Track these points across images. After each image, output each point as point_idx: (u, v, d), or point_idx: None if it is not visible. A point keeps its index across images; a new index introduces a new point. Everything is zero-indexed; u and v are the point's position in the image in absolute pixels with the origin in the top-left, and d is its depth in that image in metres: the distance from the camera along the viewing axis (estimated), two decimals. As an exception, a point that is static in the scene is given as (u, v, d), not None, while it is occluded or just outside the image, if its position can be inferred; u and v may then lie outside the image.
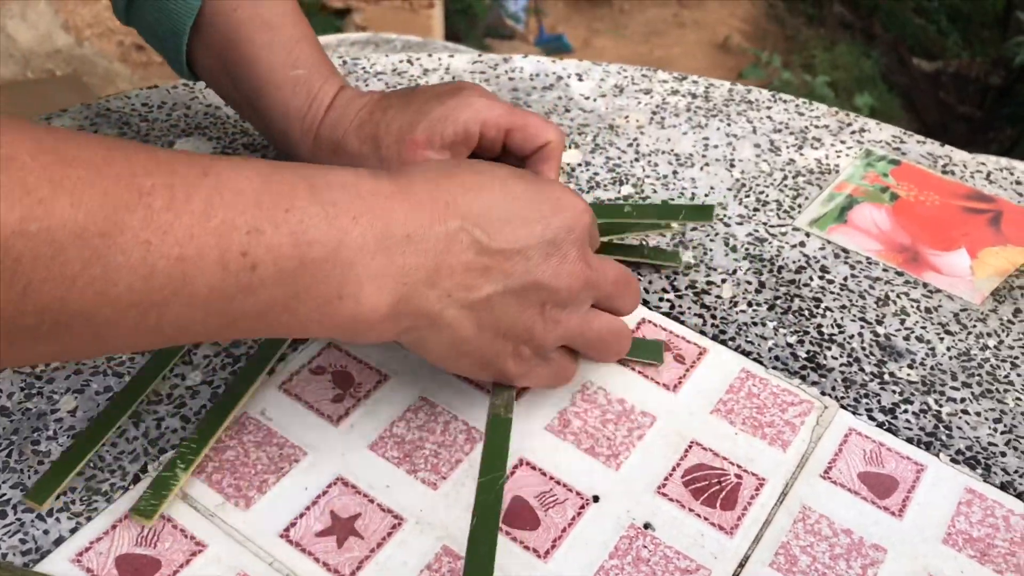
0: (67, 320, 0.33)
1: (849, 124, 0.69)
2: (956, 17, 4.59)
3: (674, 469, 0.46)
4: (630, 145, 0.66)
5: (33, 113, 2.26)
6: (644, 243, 0.58)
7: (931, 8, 4.65)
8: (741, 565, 0.43)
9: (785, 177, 0.64)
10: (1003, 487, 0.47)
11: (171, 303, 0.35)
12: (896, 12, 4.62)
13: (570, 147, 0.65)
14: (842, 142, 0.67)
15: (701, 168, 0.64)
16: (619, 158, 0.64)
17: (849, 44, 4.42)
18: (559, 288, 0.43)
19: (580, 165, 0.64)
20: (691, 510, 0.45)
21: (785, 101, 0.71)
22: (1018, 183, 0.65)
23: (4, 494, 0.43)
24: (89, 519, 0.42)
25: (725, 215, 0.61)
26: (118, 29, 2.70)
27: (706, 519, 0.44)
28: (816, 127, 0.69)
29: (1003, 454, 0.48)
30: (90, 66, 2.50)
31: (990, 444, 0.48)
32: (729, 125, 0.68)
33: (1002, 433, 0.49)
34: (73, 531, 0.42)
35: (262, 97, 0.54)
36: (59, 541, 0.41)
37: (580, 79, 0.72)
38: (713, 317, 0.54)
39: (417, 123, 0.51)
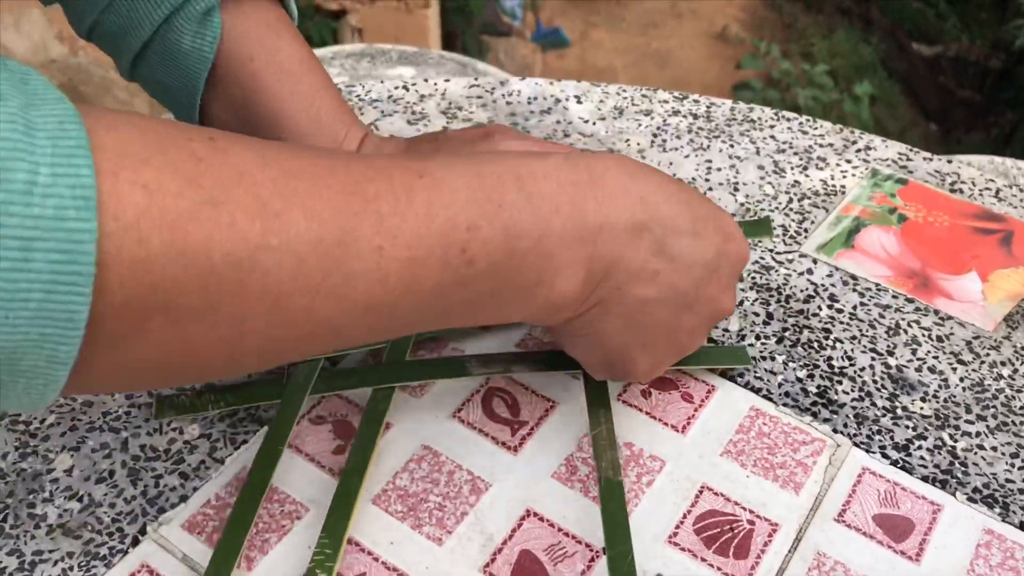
0: (313, 328, 0.34)
1: (854, 142, 0.68)
2: (954, 0, 4.57)
3: (685, 516, 0.45)
4: (632, 170, 0.64)
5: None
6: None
7: (929, -5, 4.63)
8: (756, 618, 0.42)
9: (791, 200, 0.63)
10: (1022, 527, 0.46)
11: (401, 303, 0.36)
12: (893, -3, 4.60)
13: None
14: (847, 161, 0.66)
15: (704, 193, 0.63)
16: (621, 184, 0.63)
17: (847, 31, 4.40)
18: (705, 312, 0.45)
19: (581, 192, 0.63)
20: (703, 559, 0.44)
21: (788, 119, 0.70)
22: (1028, 200, 0.64)
23: (2, 562, 0.42)
24: (89, 585, 0.41)
25: (730, 242, 0.59)
26: (112, 36, 2.68)
27: (719, 569, 0.43)
28: (820, 146, 0.67)
29: (1022, 491, 0.47)
30: (85, 75, 2.49)
31: (1007, 481, 0.47)
32: (732, 146, 0.67)
33: (1020, 468, 0.48)
34: (72, 599, 0.41)
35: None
36: (58, 611, 0.40)
37: (579, 101, 0.71)
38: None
39: None
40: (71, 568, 0.42)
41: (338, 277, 0.33)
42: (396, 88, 0.71)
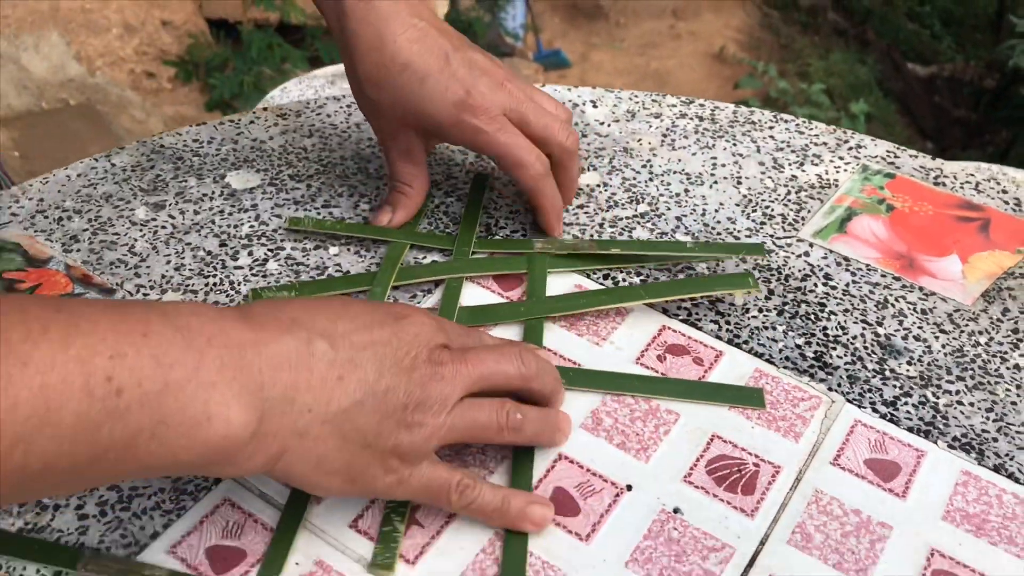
0: None
1: (846, 141, 0.74)
2: (949, 21, 4.64)
3: (698, 460, 0.52)
4: (644, 166, 0.71)
5: (50, 142, 2.31)
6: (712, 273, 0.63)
7: (923, 13, 4.70)
8: (762, 543, 0.48)
9: (788, 192, 0.69)
10: (996, 469, 0.52)
11: (36, 436, 0.34)
12: (889, 18, 4.67)
13: (588, 169, 0.71)
14: (840, 158, 0.73)
15: (710, 186, 0.69)
16: (634, 178, 0.70)
17: (843, 51, 4.46)
18: (412, 391, 0.43)
19: (599, 186, 0.69)
20: (715, 495, 0.50)
21: (786, 121, 0.76)
22: (1004, 192, 0.71)
23: (103, 495, 0.48)
24: (179, 516, 0.47)
25: (735, 229, 0.66)
26: (128, 58, 2.76)
27: (729, 503, 0.49)
28: (816, 144, 0.74)
29: (995, 439, 0.53)
30: (103, 95, 2.56)
31: (983, 431, 0.54)
32: (735, 145, 0.74)
33: (993, 421, 0.54)
34: (166, 526, 0.47)
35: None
36: (155, 535, 0.46)
37: (595, 106, 0.77)
38: (727, 323, 0.59)
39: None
40: (163, 501, 0.48)
41: None
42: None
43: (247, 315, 0.42)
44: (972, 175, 0.72)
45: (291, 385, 0.41)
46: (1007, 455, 0.52)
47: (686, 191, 0.69)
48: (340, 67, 1.39)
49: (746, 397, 0.54)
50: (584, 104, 0.78)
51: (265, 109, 0.74)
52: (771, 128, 0.76)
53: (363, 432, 0.42)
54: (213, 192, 0.67)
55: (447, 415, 0.45)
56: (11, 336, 0.34)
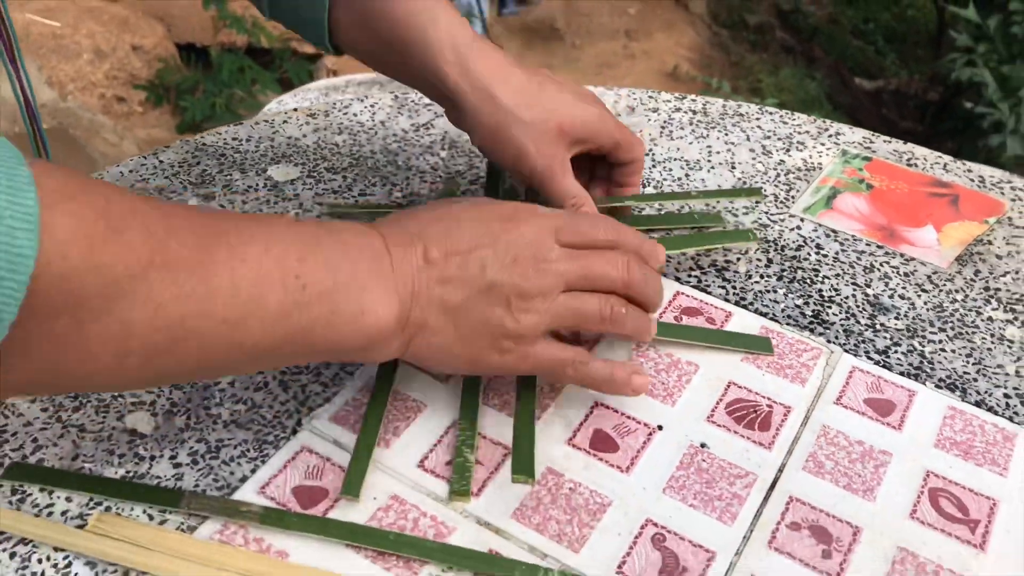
0: (184, 335, 0.43)
1: (826, 129, 0.82)
2: (892, 38, 4.79)
3: (718, 403, 0.58)
4: (647, 154, 0.78)
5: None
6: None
7: (868, 30, 4.86)
8: (780, 470, 0.54)
9: (778, 175, 0.77)
10: (977, 404, 0.59)
11: (250, 319, 0.45)
12: (835, 35, 4.81)
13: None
14: (822, 144, 0.80)
15: (708, 171, 0.76)
16: (638, 166, 0.77)
17: (792, 68, 4.59)
18: (516, 283, 0.51)
19: (607, 173, 0.76)
20: (736, 432, 0.56)
21: (771, 113, 0.84)
22: (969, 171, 0.78)
23: (193, 447, 0.53)
24: (263, 462, 0.53)
25: (733, 207, 0.73)
26: (99, 83, 2.79)
27: (748, 438, 0.56)
28: (799, 133, 0.82)
29: (975, 380, 0.60)
30: (75, 119, 2.59)
31: (964, 373, 0.61)
32: (727, 134, 0.81)
33: (973, 365, 0.61)
34: (253, 471, 0.52)
35: (407, 42, 0.61)
36: (244, 479, 0.52)
37: (596, 102, 0.84)
38: (733, 288, 0.66)
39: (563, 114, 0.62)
40: (248, 450, 0.53)
41: (203, 290, 0.43)
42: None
43: (384, 231, 0.51)
44: (940, 158, 0.80)
45: (414, 289, 0.50)
46: (986, 392, 0.59)
47: (687, 175, 0.76)
48: (343, 78, 1.45)
49: (756, 344, 0.61)
50: (586, 102, 0.84)
51: (295, 110, 0.80)
52: (757, 119, 0.83)
53: (472, 322, 0.51)
54: (257, 184, 0.72)
55: (551, 303, 0.52)
56: (231, 239, 0.45)
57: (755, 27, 4.82)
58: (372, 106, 0.82)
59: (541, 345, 0.52)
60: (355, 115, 0.81)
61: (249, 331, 0.45)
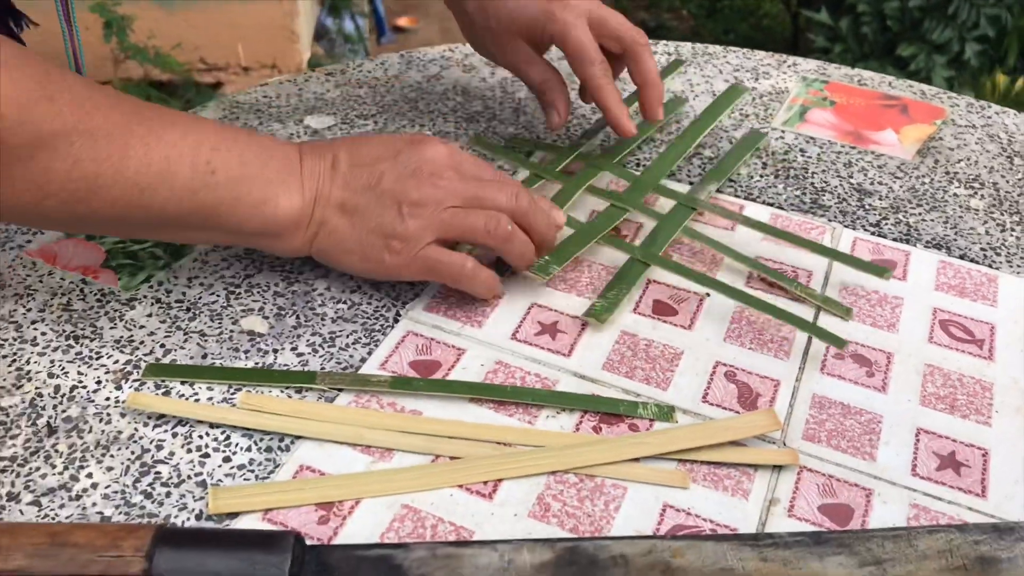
0: (97, 190, 0.51)
1: (784, 60, 0.93)
2: (751, 45, 5.06)
3: (751, 273, 0.67)
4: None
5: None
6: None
7: (729, 40, 5.14)
8: (815, 318, 0.63)
9: (754, 99, 0.87)
10: (961, 257, 0.69)
11: (159, 187, 0.52)
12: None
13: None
14: (783, 73, 0.91)
15: (693, 99, 0.86)
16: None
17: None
18: (407, 191, 0.57)
19: (606, 106, 0.84)
20: (769, 292, 0.65)
21: (734, 51, 0.94)
22: (911, 87, 0.90)
23: (310, 339, 0.59)
24: (376, 345, 0.59)
25: (722, 124, 0.82)
26: None
27: (781, 295, 0.65)
28: (762, 65, 0.92)
29: (955, 239, 0.71)
30: None
31: (944, 236, 0.71)
32: (702, 70, 0.91)
33: (951, 229, 0.72)
34: (369, 353, 0.58)
35: None
36: (363, 360, 0.58)
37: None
38: (741, 188, 0.75)
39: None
40: (360, 338, 0.59)
41: (117, 156, 0.51)
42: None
43: (301, 145, 0.60)
44: (884, 78, 0.91)
45: (318, 190, 0.58)
46: (966, 248, 0.70)
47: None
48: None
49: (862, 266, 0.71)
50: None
51: (313, 69, 0.86)
52: (724, 56, 0.93)
53: (366, 223, 0.58)
54: (298, 132, 0.78)
55: (441, 213, 0.58)
56: (153, 123, 0.53)
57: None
58: (383, 63, 0.89)
59: (430, 249, 0.58)
60: (370, 71, 0.87)
61: (156, 197, 0.53)
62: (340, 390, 0.55)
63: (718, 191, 0.74)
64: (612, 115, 0.70)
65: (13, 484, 0.49)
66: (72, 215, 0.52)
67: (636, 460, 0.53)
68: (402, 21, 3.45)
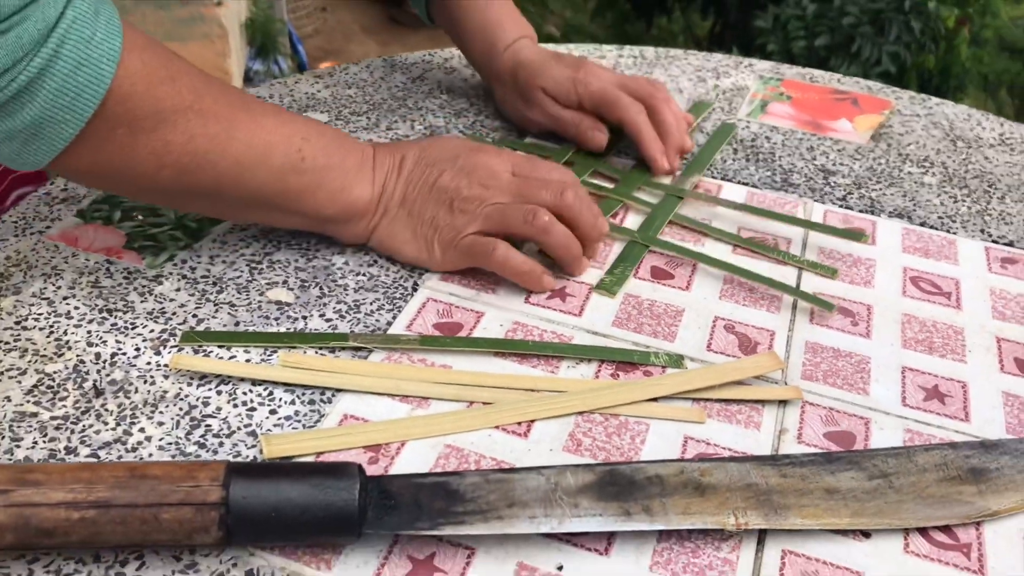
0: (207, 162, 0.56)
1: (741, 62, 1.00)
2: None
3: (736, 245, 0.72)
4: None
5: None
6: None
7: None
8: (797, 282, 0.69)
9: (718, 96, 0.93)
10: (921, 224, 0.76)
11: (258, 168, 0.58)
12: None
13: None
14: (741, 72, 0.97)
15: (661, 96, 0.92)
16: (605, 97, 0.91)
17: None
18: (459, 189, 0.63)
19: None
20: (755, 256, 0.70)
21: (696, 55, 1.00)
22: (858, 83, 0.98)
23: (336, 307, 0.62)
24: (400, 310, 0.62)
25: (702, 126, 0.88)
26: None
27: (764, 260, 0.70)
28: (722, 66, 0.99)
29: (915, 210, 0.77)
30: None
31: (904, 207, 0.78)
32: (667, 70, 0.97)
33: (910, 201, 0.79)
34: (394, 317, 0.61)
35: (466, 33, 0.83)
36: (389, 323, 0.61)
37: (552, 55, 0.98)
38: (716, 169, 0.81)
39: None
40: (383, 304, 0.63)
41: (224, 136, 0.57)
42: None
43: (376, 144, 0.67)
44: (833, 75, 0.99)
45: (386, 183, 0.65)
46: (925, 217, 0.77)
47: (647, 99, 0.91)
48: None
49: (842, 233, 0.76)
50: (541, 57, 0.98)
51: (301, 72, 0.90)
52: (686, 59, 1.00)
53: (422, 214, 0.65)
54: (296, 127, 0.81)
55: (485, 208, 0.63)
56: (253, 108, 0.59)
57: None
58: (368, 66, 0.93)
59: (468, 236, 0.64)
60: (356, 73, 0.91)
61: (254, 177, 0.59)
62: (371, 349, 0.59)
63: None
64: (648, 153, 0.78)
65: (69, 440, 0.51)
66: (181, 186, 0.57)
67: (654, 400, 0.57)
68: (324, 65, 3.50)
